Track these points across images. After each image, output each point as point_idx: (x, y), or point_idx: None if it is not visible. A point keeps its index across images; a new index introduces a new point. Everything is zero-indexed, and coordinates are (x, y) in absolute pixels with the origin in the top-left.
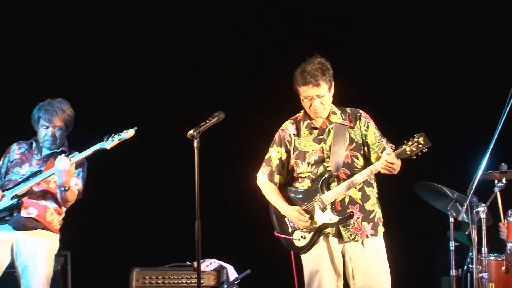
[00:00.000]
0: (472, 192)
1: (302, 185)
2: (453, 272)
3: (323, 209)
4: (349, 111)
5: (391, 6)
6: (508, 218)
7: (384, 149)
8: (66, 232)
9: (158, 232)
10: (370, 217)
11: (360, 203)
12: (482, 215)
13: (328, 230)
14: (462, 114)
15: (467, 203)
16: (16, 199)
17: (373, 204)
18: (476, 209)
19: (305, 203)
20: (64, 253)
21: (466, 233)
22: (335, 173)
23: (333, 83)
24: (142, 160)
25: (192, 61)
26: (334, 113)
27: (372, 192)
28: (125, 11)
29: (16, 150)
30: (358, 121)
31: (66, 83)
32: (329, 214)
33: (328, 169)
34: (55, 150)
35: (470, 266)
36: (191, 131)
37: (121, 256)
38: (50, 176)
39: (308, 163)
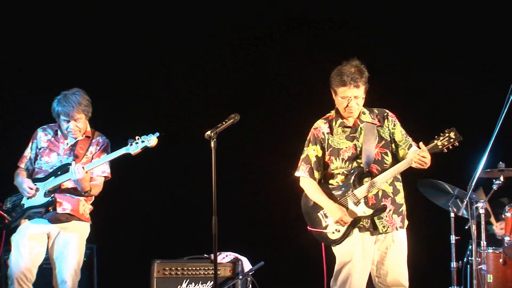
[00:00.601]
0: (471, 189)
1: (336, 180)
2: (453, 264)
3: (357, 203)
4: (376, 111)
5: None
6: (506, 214)
7: (410, 146)
8: (93, 227)
9: (178, 227)
10: (400, 210)
11: (392, 196)
12: (481, 211)
13: (362, 223)
14: (462, 114)
15: (467, 200)
16: (51, 197)
17: (402, 198)
18: (476, 205)
19: (339, 198)
20: (90, 246)
21: (466, 227)
22: (367, 169)
23: (367, 85)
24: (163, 160)
25: (211, 65)
26: (363, 113)
27: (401, 186)
28: (125, 11)
29: (42, 137)
30: (386, 120)
31: (66, 83)
32: (363, 208)
33: (361, 165)
34: (80, 138)
35: (469, 258)
36: (208, 132)
37: (143, 249)
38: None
39: (342, 159)
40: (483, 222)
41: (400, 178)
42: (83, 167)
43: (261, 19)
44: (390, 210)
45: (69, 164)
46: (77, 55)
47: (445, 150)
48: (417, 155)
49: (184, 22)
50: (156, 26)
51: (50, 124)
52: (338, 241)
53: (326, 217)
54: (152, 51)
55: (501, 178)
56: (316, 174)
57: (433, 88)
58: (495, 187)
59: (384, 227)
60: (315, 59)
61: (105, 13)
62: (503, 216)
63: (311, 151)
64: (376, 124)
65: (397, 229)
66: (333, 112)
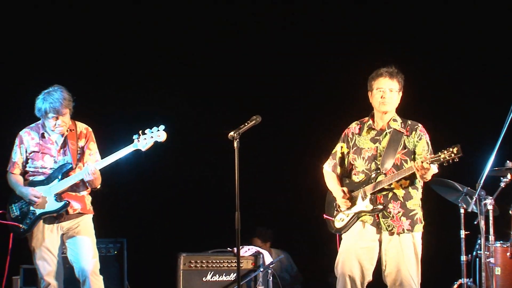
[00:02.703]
0: (480, 186)
1: (357, 177)
2: (463, 258)
3: (364, 198)
4: (409, 123)
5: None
6: None
7: None
8: (123, 222)
9: (203, 222)
10: (410, 214)
11: (402, 200)
12: (490, 207)
13: (366, 218)
14: (470, 115)
15: (476, 196)
16: (65, 201)
17: (414, 204)
18: (484, 202)
19: (354, 191)
20: (120, 240)
21: (475, 222)
22: (384, 172)
23: (402, 89)
24: (189, 158)
25: (221, 66)
26: (395, 120)
27: (416, 194)
28: (125, 11)
29: (30, 141)
30: (414, 132)
31: (66, 83)
32: (366, 203)
33: (379, 166)
34: (66, 134)
35: (478, 252)
36: (231, 133)
37: (170, 243)
38: (77, 166)
39: (363, 158)
40: (491, 218)
41: (418, 187)
42: (94, 167)
43: (267, 18)
44: (399, 212)
45: (70, 163)
46: (77, 55)
47: (446, 164)
48: (419, 162)
49: (185, 22)
50: (156, 26)
51: (31, 126)
52: (341, 230)
53: (339, 207)
54: (152, 51)
55: (508, 176)
56: (339, 169)
57: (442, 88)
58: (502, 184)
59: (389, 226)
60: (331, 60)
61: (105, 13)
62: (510, 212)
63: (339, 148)
64: (403, 133)
65: (404, 231)
66: (368, 117)
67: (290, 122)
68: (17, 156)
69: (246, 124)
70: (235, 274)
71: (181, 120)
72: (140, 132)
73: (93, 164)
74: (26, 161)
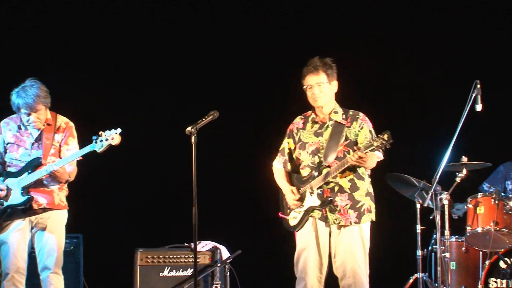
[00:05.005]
0: (436, 181)
1: (305, 171)
2: (419, 252)
3: (311, 193)
4: (351, 113)
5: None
6: (468, 205)
7: None
8: (79, 217)
9: (160, 217)
10: (357, 206)
11: (349, 192)
12: (445, 202)
13: (315, 213)
14: (427, 111)
15: (431, 191)
16: (28, 196)
17: (361, 195)
18: (440, 197)
19: (301, 188)
20: (76, 236)
21: (431, 217)
22: (327, 165)
23: (334, 78)
24: (147, 153)
25: (190, 61)
26: (336, 112)
27: (363, 184)
28: (125, 11)
29: (7, 132)
30: (355, 122)
31: (65, 82)
32: (314, 198)
33: (321, 159)
34: (42, 128)
35: (434, 246)
36: (189, 128)
37: (127, 238)
38: (48, 158)
39: (307, 152)
40: (446, 213)
41: (364, 176)
42: (55, 166)
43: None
44: (346, 204)
45: (39, 158)
46: (76, 55)
47: (379, 151)
48: (354, 154)
49: (183, 22)
50: (153, 25)
51: (12, 117)
52: (295, 227)
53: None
54: (133, 48)
55: (464, 171)
56: (289, 165)
57: (399, 84)
58: (458, 179)
59: (336, 219)
60: (295, 58)
61: (105, 13)
62: (465, 207)
63: (286, 144)
64: (345, 125)
65: (351, 224)
66: (311, 111)
67: (247, 117)
68: None
69: (203, 119)
70: (192, 269)
71: (136, 114)
72: (100, 133)
73: (51, 165)
74: (5, 152)
